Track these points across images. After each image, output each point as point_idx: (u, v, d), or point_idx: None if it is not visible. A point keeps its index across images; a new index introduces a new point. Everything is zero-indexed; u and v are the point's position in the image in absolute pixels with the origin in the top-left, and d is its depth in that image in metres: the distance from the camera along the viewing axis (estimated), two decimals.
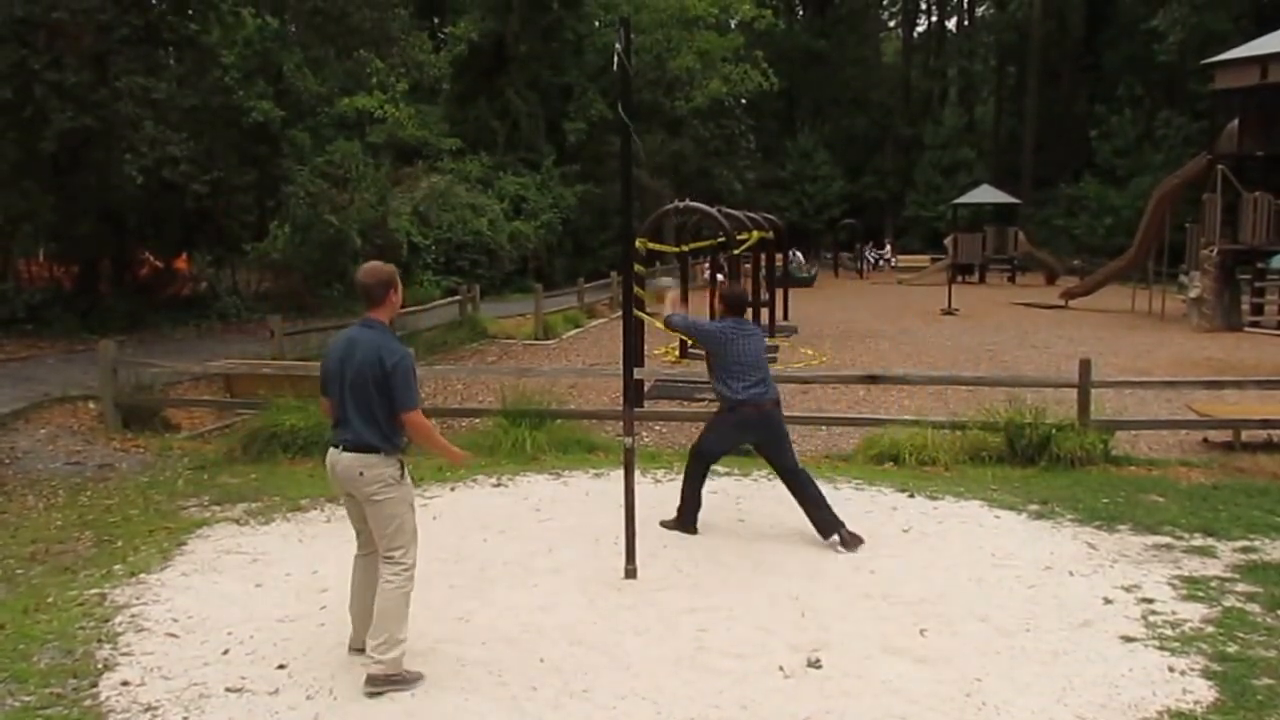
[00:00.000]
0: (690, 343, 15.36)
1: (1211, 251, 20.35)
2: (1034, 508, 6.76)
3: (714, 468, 7.70)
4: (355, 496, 4.20)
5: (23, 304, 15.89)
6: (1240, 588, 5.19)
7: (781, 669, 4.27)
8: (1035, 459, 7.95)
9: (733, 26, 39.07)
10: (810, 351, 16.61)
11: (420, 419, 4.18)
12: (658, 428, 10.65)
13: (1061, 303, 26.32)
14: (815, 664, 4.31)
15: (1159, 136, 39.81)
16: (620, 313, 5.64)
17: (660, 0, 33.50)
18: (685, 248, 17.63)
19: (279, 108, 20.25)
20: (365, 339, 4.16)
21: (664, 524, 6.32)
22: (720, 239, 15.31)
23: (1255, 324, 20.16)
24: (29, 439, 8.96)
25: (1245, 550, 5.83)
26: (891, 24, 63.60)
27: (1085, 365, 8.46)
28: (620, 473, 5.51)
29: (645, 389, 12.01)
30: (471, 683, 4.16)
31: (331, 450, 4.21)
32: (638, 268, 13.08)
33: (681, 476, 6.44)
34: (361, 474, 4.10)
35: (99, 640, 4.59)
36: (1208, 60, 23.09)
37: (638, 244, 14.38)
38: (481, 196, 28.50)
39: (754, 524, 6.42)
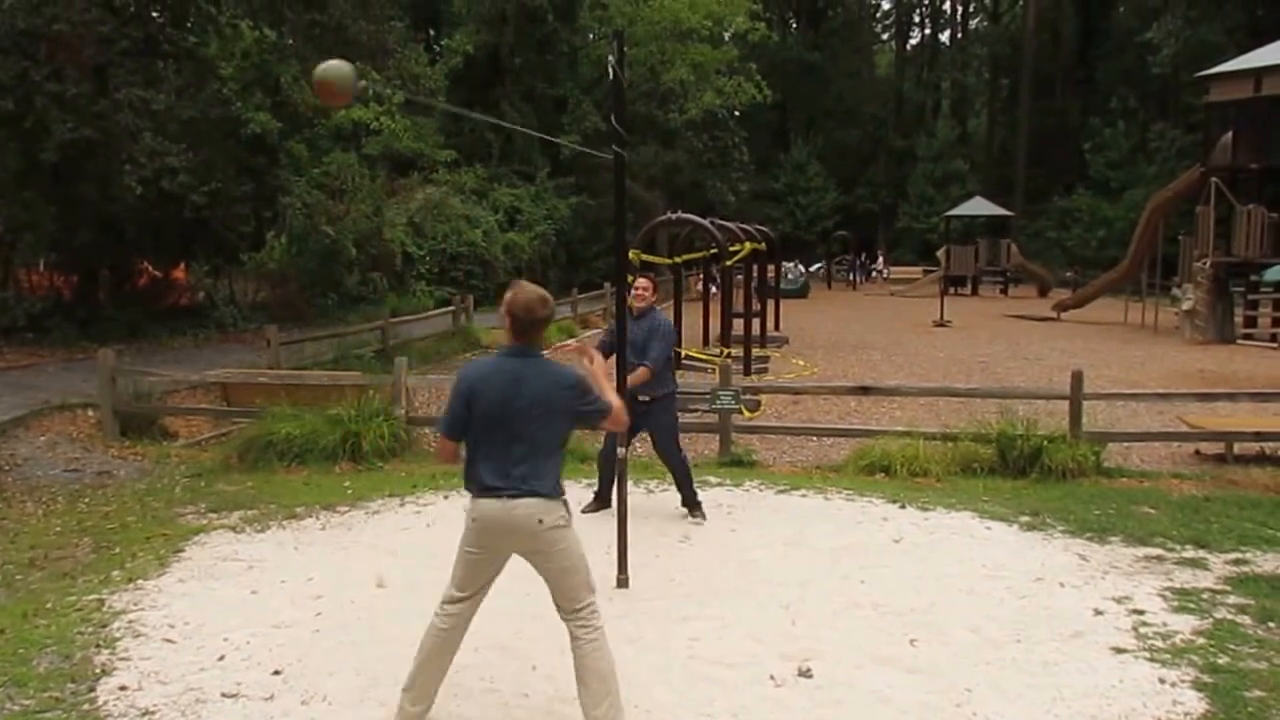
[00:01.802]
0: (685, 353, 15.44)
1: (1205, 264, 20.46)
2: (1025, 519, 6.78)
3: (706, 478, 7.78)
4: (524, 550, 3.68)
5: (23, 313, 15.91)
6: (1232, 600, 5.21)
7: (772, 678, 4.29)
8: (1027, 470, 7.98)
9: (726, 39, 39.29)
10: (802, 362, 16.67)
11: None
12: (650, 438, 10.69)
13: (1054, 315, 26.45)
14: (806, 673, 4.32)
15: (1152, 149, 40.07)
16: (613, 325, 5.70)
17: (654, 13, 33.67)
18: (678, 259, 17.71)
19: (276, 119, 20.30)
20: (533, 370, 3.60)
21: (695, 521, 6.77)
22: (713, 250, 15.38)
23: (1248, 336, 20.26)
24: (29, 446, 8.97)
25: (1237, 562, 5.85)
26: (885, 36, 64.05)
27: (1077, 377, 8.52)
28: None
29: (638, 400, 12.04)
30: (463, 689, 4.17)
31: (489, 501, 3.57)
32: (631, 278, 13.12)
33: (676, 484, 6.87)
34: (541, 521, 3.59)
35: (97, 645, 4.61)
36: (1202, 73, 23.25)
37: (631, 255, 14.45)
38: (476, 208, 28.60)
39: (745, 534, 6.45)
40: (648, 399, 6.64)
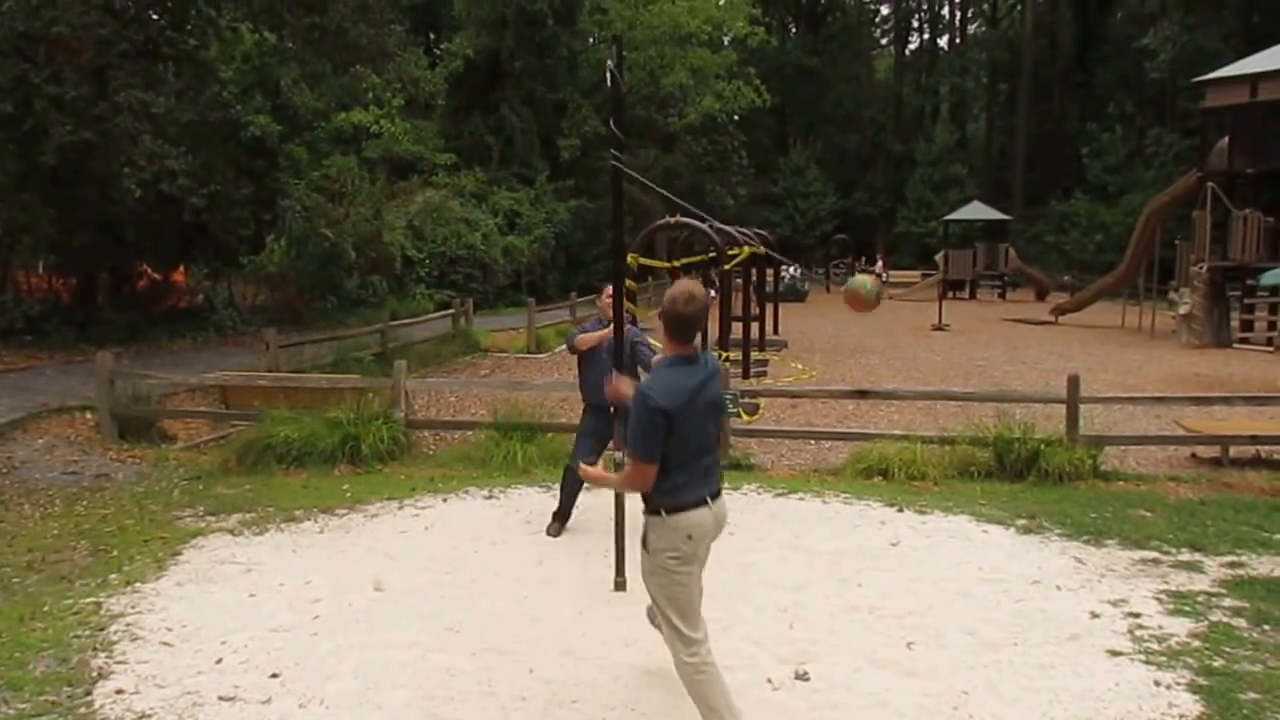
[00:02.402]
0: None
1: (1201, 268, 20.50)
2: (1022, 522, 6.81)
3: None
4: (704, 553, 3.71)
5: (21, 315, 15.87)
6: (1227, 602, 5.23)
7: (769, 681, 4.31)
8: (1024, 474, 8.00)
9: (726, 43, 39.37)
10: (800, 366, 16.68)
11: None
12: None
13: (1052, 319, 26.47)
14: (803, 676, 4.34)
15: (1149, 153, 40.11)
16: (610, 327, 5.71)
17: (654, 18, 33.74)
18: (677, 263, 17.72)
19: (276, 122, 20.35)
20: (703, 374, 3.59)
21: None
22: (711, 254, 15.39)
23: (1244, 340, 20.29)
24: (26, 449, 8.96)
25: (1232, 565, 5.87)
26: (884, 41, 64.15)
27: (1074, 381, 8.53)
28: None
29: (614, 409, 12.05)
30: (461, 693, 4.18)
31: (700, 511, 3.57)
32: (629, 283, 13.17)
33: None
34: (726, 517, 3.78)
35: (94, 649, 4.62)
36: (1198, 78, 23.33)
37: (629, 259, 14.47)
38: (475, 211, 28.62)
39: (742, 537, 6.45)
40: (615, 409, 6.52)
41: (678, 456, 3.51)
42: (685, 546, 3.56)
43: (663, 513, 3.55)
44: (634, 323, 6.95)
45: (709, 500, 3.59)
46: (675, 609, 3.61)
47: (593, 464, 6.61)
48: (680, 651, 3.61)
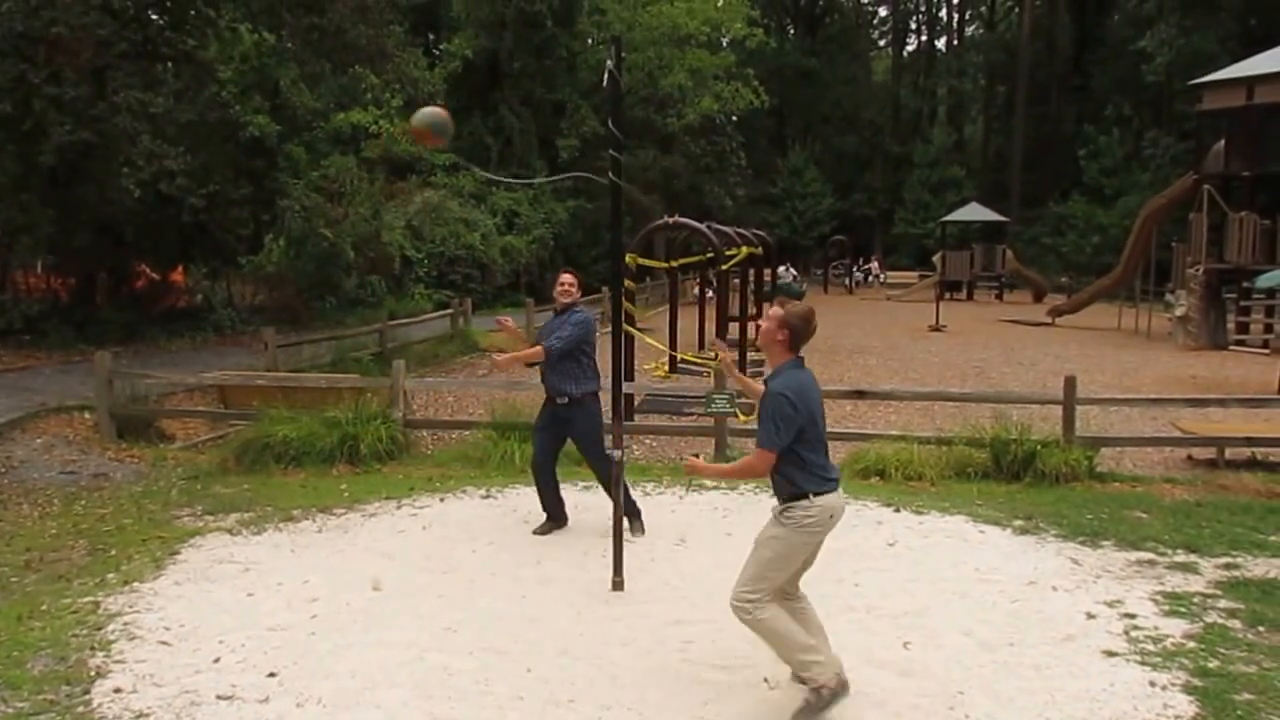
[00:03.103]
0: (681, 357, 15.45)
1: (1198, 270, 20.53)
2: (1018, 523, 6.82)
3: (703, 481, 7.79)
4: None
5: (20, 315, 15.88)
6: (1222, 604, 5.24)
7: (766, 680, 4.32)
8: (1020, 475, 8.01)
9: (724, 45, 39.43)
10: None
11: None
12: (647, 441, 10.74)
13: (1048, 320, 26.50)
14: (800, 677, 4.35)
15: (1146, 156, 40.19)
16: (610, 327, 5.72)
17: (653, 19, 33.77)
18: (674, 263, 17.75)
19: (275, 123, 20.33)
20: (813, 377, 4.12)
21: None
22: (709, 255, 15.42)
23: (1240, 343, 20.32)
24: (25, 448, 8.97)
25: (1227, 566, 5.88)
26: (881, 43, 64.26)
27: (1070, 382, 8.55)
28: None
29: (635, 403, 12.10)
30: (458, 692, 4.19)
31: (835, 495, 4.00)
32: (627, 283, 13.18)
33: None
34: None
35: (92, 648, 4.62)
36: (1195, 81, 23.37)
37: (628, 259, 14.49)
38: (474, 211, 28.61)
39: (741, 537, 6.43)
40: (566, 400, 6.37)
41: (820, 446, 4.00)
42: (825, 524, 3.98)
43: (811, 495, 3.94)
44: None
45: (838, 487, 4.02)
46: (773, 568, 3.99)
47: (553, 458, 6.61)
48: (745, 591, 4.00)
